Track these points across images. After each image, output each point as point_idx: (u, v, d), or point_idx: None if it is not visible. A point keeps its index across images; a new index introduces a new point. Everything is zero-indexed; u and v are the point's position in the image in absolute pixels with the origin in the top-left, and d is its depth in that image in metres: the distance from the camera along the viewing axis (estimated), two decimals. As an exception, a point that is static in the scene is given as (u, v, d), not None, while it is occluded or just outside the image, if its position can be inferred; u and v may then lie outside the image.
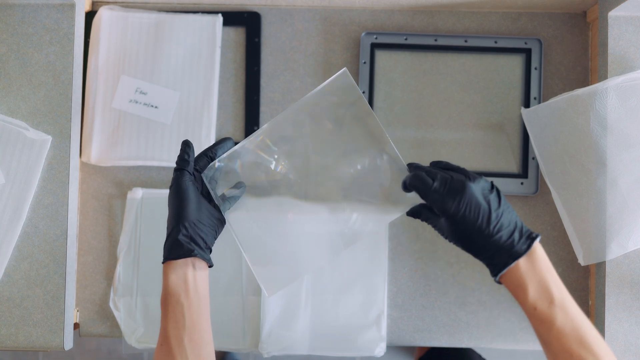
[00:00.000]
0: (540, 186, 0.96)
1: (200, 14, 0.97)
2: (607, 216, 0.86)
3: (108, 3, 0.98)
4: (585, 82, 0.98)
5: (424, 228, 0.97)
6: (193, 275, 0.69)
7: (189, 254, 0.69)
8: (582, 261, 0.89)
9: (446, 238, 0.71)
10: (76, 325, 0.96)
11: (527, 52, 0.97)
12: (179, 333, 0.67)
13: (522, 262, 0.66)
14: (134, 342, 0.95)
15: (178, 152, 0.74)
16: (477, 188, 0.67)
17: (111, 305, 0.95)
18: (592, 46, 0.97)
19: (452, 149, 0.97)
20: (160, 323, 0.70)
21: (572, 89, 0.96)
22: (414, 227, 0.97)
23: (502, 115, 0.97)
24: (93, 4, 0.98)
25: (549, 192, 0.94)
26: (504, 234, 0.67)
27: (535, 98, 0.96)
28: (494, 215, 0.67)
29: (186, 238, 0.70)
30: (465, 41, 0.97)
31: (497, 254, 0.67)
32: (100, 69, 0.96)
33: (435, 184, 0.67)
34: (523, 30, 0.98)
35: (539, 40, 0.96)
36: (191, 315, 0.68)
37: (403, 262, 0.97)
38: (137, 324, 0.95)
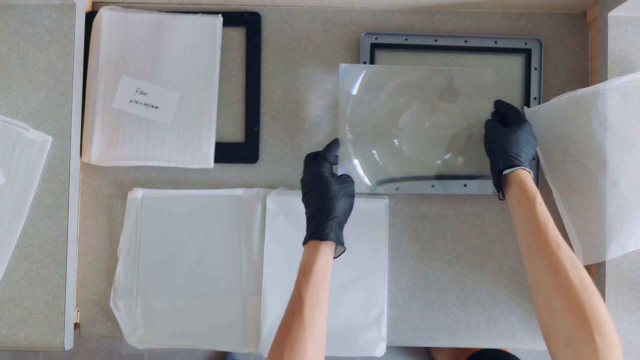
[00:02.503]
0: (541, 186, 0.96)
1: (200, 14, 0.97)
2: (607, 216, 0.86)
3: (108, 3, 0.98)
4: (585, 82, 0.98)
5: (424, 228, 0.97)
6: (331, 260, 0.80)
7: (341, 241, 0.81)
8: (582, 261, 0.89)
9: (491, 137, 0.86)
10: (76, 325, 0.96)
11: (527, 53, 0.97)
12: (313, 305, 0.75)
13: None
14: (134, 342, 0.95)
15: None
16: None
17: (111, 305, 0.95)
18: (592, 46, 0.97)
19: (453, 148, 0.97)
20: (294, 292, 0.77)
21: (572, 89, 0.96)
22: (414, 227, 0.97)
23: (502, 115, 0.97)
24: (93, 4, 0.98)
25: (550, 192, 0.94)
26: (526, 154, 0.83)
27: (535, 98, 0.96)
28: (527, 138, 0.84)
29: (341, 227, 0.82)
30: (466, 41, 0.97)
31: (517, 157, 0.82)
32: (101, 69, 0.96)
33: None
34: (523, 31, 0.98)
35: (539, 41, 0.96)
36: (324, 292, 0.77)
37: (403, 262, 0.97)
38: (137, 324, 0.95)
